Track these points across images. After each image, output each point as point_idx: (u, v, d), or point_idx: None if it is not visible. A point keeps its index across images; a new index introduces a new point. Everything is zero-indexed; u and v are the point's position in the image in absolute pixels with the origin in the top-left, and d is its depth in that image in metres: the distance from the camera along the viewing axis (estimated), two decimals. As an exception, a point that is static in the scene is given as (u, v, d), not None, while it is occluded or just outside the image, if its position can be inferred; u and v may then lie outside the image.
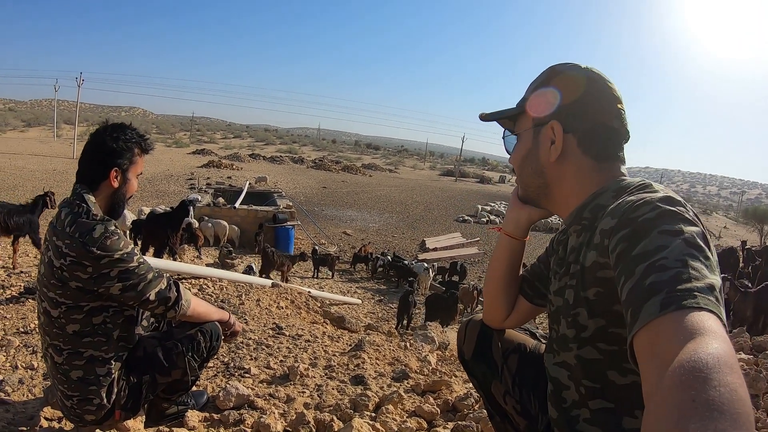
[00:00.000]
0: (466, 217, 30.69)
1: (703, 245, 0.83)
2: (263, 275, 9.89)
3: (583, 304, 1.10)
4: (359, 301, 11.12)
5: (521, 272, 1.53)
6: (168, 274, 2.03)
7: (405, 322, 9.12)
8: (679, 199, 0.94)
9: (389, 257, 15.74)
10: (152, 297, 1.89)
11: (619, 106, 1.21)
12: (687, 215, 0.89)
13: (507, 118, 1.34)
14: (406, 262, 15.05)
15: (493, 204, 35.87)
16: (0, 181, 25.69)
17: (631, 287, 0.81)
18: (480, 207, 32.97)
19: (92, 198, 1.90)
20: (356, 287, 13.88)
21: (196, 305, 2.10)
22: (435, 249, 19.51)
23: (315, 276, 14.70)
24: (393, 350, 3.77)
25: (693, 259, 0.80)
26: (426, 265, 14.97)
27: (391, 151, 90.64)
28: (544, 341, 1.59)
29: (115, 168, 1.94)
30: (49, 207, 7.07)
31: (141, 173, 2.07)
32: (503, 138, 1.38)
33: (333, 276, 15.26)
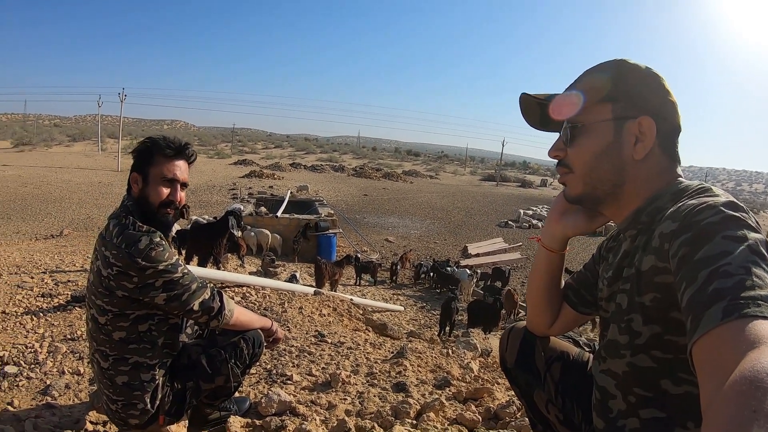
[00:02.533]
0: (509, 222, 30.36)
1: (765, 253, 0.81)
2: (319, 287, 9.96)
3: (638, 309, 1.07)
4: (402, 308, 11.11)
5: (567, 280, 1.50)
6: (212, 284, 2.07)
7: (447, 328, 9.07)
8: (742, 204, 0.92)
9: (446, 266, 15.58)
10: (196, 307, 1.93)
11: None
12: (750, 221, 0.87)
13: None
14: (449, 268, 14.96)
15: (535, 208, 35.33)
16: (47, 194, 26.80)
17: (693, 293, 0.79)
18: (522, 211, 32.50)
19: (136, 210, 1.95)
20: (399, 294, 13.88)
21: (239, 314, 2.13)
22: (477, 255, 19.40)
23: (357, 283, 14.76)
24: (435, 357, 3.74)
25: (756, 266, 0.77)
26: (469, 271, 14.88)
27: (431, 157, 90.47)
28: (587, 349, 1.56)
29: (134, 173, 1.98)
30: (184, 217, 7.35)
31: (173, 179, 2.00)
32: (564, 123, 1.23)
33: (375, 283, 15.31)
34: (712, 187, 1.04)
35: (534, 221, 30.86)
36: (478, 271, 16.24)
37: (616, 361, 1.14)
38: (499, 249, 20.87)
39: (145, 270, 1.81)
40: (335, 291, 9.72)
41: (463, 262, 17.78)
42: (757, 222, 0.89)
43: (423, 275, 15.87)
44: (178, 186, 2.01)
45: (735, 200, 0.93)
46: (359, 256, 16.15)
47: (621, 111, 1.14)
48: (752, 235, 0.83)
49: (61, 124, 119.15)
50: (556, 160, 1.27)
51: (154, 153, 1.97)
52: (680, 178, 1.15)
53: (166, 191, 1.97)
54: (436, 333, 8.39)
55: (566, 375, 1.48)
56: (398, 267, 16.44)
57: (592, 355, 1.50)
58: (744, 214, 0.88)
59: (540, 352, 1.53)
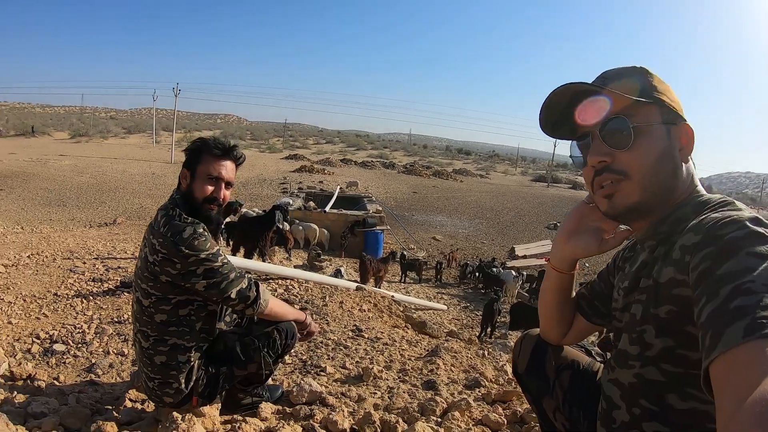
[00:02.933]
0: (558, 225, 29.68)
1: None
2: (363, 283, 10.05)
3: (652, 321, 1.05)
4: (444, 307, 11.08)
5: (580, 290, 1.51)
6: (250, 275, 2.19)
7: (488, 330, 9.01)
8: (766, 221, 0.89)
9: (492, 266, 15.46)
10: (233, 295, 2.06)
11: None
12: None
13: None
14: (495, 269, 14.84)
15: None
16: (102, 183, 27.88)
17: (714, 309, 0.78)
18: None
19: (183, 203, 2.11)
20: (443, 293, 13.86)
21: (273, 305, 2.25)
22: (524, 256, 19.12)
23: (402, 281, 14.79)
24: (470, 358, 3.76)
25: None
26: (514, 272, 14.71)
27: (482, 156, 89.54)
28: (598, 359, 1.57)
29: (183, 169, 2.15)
30: (234, 213, 7.84)
31: (218, 177, 2.14)
32: (613, 126, 1.11)
33: (420, 281, 15.32)
34: (735, 201, 1.03)
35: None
36: (524, 272, 16.02)
37: (624, 371, 1.14)
38: (546, 252, 20.47)
39: (188, 258, 1.96)
40: (379, 287, 9.78)
41: (510, 264, 17.57)
42: None
43: (469, 275, 15.78)
44: (223, 185, 2.16)
45: (759, 216, 0.91)
46: (405, 253, 16.18)
47: (667, 115, 1.12)
48: None
49: (117, 116, 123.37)
50: (592, 170, 1.16)
51: (203, 152, 2.14)
52: (699, 188, 1.14)
53: (210, 188, 2.13)
54: (477, 334, 8.35)
55: (575, 384, 1.49)
56: (443, 266, 16.40)
57: (602, 365, 1.50)
58: None
59: (551, 360, 1.54)
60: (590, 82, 1.14)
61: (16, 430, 1.82)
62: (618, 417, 1.16)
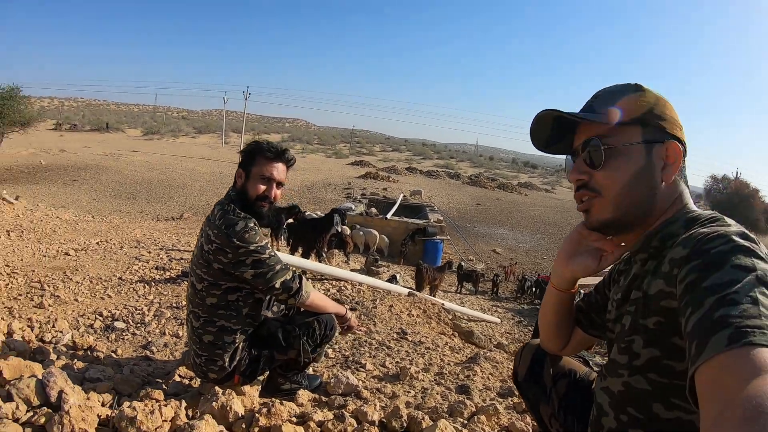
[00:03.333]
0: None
1: None
2: (418, 291, 10.14)
3: (641, 331, 1.08)
4: (497, 320, 11.00)
5: (577, 302, 1.54)
6: (294, 269, 2.38)
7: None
8: (753, 235, 0.93)
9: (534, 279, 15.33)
10: (277, 285, 2.25)
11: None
12: (760, 252, 0.87)
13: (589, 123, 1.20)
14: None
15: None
16: (171, 180, 29.16)
17: (698, 319, 0.80)
18: None
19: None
20: (498, 306, 13.75)
21: (315, 297, 2.42)
22: (586, 275, 18.67)
23: (458, 291, 14.78)
24: (510, 369, 3.78)
25: (764, 296, 0.78)
26: (571, 289, 14.41)
27: (548, 170, 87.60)
28: (595, 369, 1.62)
29: (239, 169, 2.36)
30: (296, 219, 8.29)
31: (270, 177, 2.34)
32: (590, 146, 1.18)
33: (476, 292, 15.25)
34: (724, 217, 1.06)
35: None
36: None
37: (614, 380, 1.17)
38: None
39: (239, 249, 2.17)
40: (434, 296, 9.83)
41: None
42: (767, 253, 0.89)
43: (527, 290, 15.58)
44: (274, 185, 2.37)
45: (746, 231, 0.94)
46: (463, 264, 16.15)
47: (651, 135, 1.14)
48: (761, 265, 0.84)
49: (188, 116, 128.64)
50: (575, 185, 1.24)
51: (257, 154, 2.34)
52: (690, 205, 1.16)
53: (262, 187, 2.34)
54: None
55: (571, 392, 1.54)
56: (501, 279, 16.26)
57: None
58: (754, 245, 0.89)
59: (549, 368, 1.60)
60: (578, 108, 1.23)
61: (74, 387, 2.04)
62: (606, 423, 1.19)
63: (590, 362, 1.65)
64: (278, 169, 2.37)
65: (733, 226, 0.98)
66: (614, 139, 1.15)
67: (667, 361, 1.03)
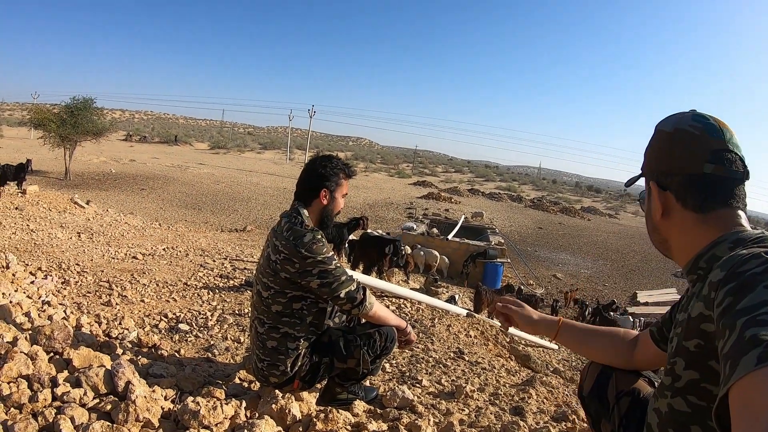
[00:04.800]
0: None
1: None
2: (476, 313, 10.10)
3: (683, 353, 1.11)
4: (555, 347, 10.76)
5: (657, 319, 1.59)
6: (358, 281, 2.49)
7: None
8: None
9: (610, 310, 14.90)
10: (342, 295, 2.38)
11: (716, 148, 1.18)
12: None
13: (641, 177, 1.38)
14: (612, 313, 14.20)
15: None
16: (236, 193, 30.02)
17: (732, 342, 0.81)
18: None
19: (306, 212, 2.49)
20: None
21: (377, 309, 2.53)
22: (646, 303, 18.04)
23: (516, 315, 14.55)
24: (566, 395, 3.76)
25: None
26: (632, 318, 14.00)
27: (612, 194, 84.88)
28: None
29: (324, 188, 2.50)
30: (362, 228, 8.54)
31: (346, 194, 2.59)
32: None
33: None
34: None
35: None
36: (643, 319, 15.15)
37: (661, 401, 1.20)
38: (670, 300, 19.11)
39: (306, 259, 2.31)
40: (492, 319, 9.77)
41: (630, 309, 16.69)
42: None
43: (588, 316, 15.23)
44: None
45: None
46: (522, 288, 15.93)
47: (647, 178, 1.31)
48: None
49: (254, 132, 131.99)
50: None
51: (341, 175, 2.55)
52: (741, 227, 1.16)
53: (342, 204, 2.59)
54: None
55: (632, 411, 1.55)
56: (560, 305, 15.95)
57: None
58: None
59: (613, 386, 1.63)
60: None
61: (140, 380, 2.20)
62: None
63: (655, 383, 1.68)
64: (348, 186, 2.60)
65: None
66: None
67: (704, 384, 1.06)
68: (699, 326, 1.06)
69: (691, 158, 1.19)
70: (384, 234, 12.60)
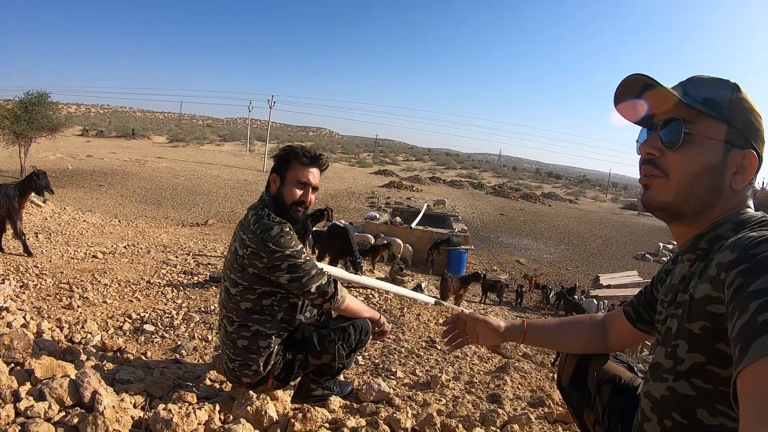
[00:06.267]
0: (646, 255, 28.16)
1: None
2: (443, 300, 10.14)
3: (685, 336, 1.08)
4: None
5: (632, 297, 1.57)
6: (329, 273, 2.40)
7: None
8: None
9: (574, 293, 15.17)
10: (313, 289, 2.28)
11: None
12: None
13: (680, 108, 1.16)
14: (576, 297, 14.46)
15: (675, 242, 32.13)
16: (196, 186, 29.57)
17: (743, 323, 0.79)
18: (662, 245, 29.49)
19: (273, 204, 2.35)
20: (523, 317, 13.63)
21: (350, 302, 2.45)
22: (608, 286, 18.43)
23: (482, 301, 14.69)
24: (539, 379, 3.78)
25: None
26: (596, 301, 14.29)
27: (572, 180, 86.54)
28: (640, 375, 1.61)
29: (273, 174, 2.39)
30: (327, 219, 8.33)
31: (306, 182, 2.37)
32: (671, 125, 1.17)
33: (500, 303, 15.15)
34: None
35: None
36: (606, 302, 15.50)
37: (657, 384, 1.17)
38: (632, 282, 19.57)
39: (274, 253, 2.19)
40: (458, 306, 9.82)
41: (593, 292, 17.03)
42: None
43: (554, 301, 15.50)
44: (309, 189, 2.40)
45: None
46: (487, 274, 16.06)
47: (733, 137, 1.12)
48: None
49: (213, 124, 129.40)
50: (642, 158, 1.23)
51: (292, 159, 2.37)
52: (748, 210, 1.15)
53: (299, 192, 2.37)
54: (552, 359, 8.20)
55: (615, 398, 1.54)
56: (525, 289, 16.17)
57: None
58: None
59: (593, 374, 1.61)
60: (676, 82, 1.21)
61: (107, 389, 2.08)
62: (649, 429, 1.19)
63: (635, 368, 1.65)
64: (313, 174, 2.40)
65: None
66: (697, 127, 1.13)
67: (711, 367, 1.03)
68: (705, 308, 1.02)
69: (762, 143, 1.16)
70: (347, 224, 12.51)
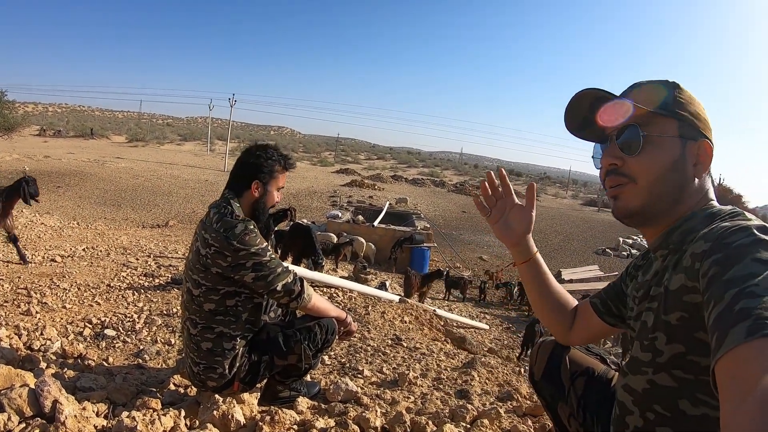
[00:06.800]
0: (606, 250, 28.85)
1: None
2: (407, 297, 10.15)
3: (663, 328, 1.08)
4: (486, 327, 11.00)
5: (599, 290, 1.55)
6: (295, 272, 2.34)
7: (528, 351, 8.92)
8: None
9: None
10: (279, 288, 2.23)
11: None
12: None
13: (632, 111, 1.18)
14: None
15: (635, 237, 32.86)
16: (156, 187, 28.94)
17: (719, 312, 0.80)
18: (621, 239, 30.31)
19: (237, 203, 2.29)
20: (486, 312, 13.77)
21: (316, 301, 2.40)
22: (570, 281, 18.78)
23: (446, 298, 14.79)
24: (506, 374, 3.78)
25: None
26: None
27: (533, 177, 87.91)
28: (613, 367, 1.61)
29: (256, 180, 2.32)
30: (290, 219, 8.12)
31: (282, 187, 2.42)
32: (627, 132, 1.18)
33: (464, 299, 15.27)
34: (744, 212, 1.07)
35: (634, 251, 28.68)
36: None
37: (637, 377, 1.16)
38: (593, 277, 20.04)
39: (239, 252, 2.13)
40: (422, 303, 9.84)
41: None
42: None
43: (517, 296, 15.70)
44: (281, 192, 2.43)
45: (767, 225, 0.94)
46: (450, 271, 16.16)
47: (686, 130, 1.16)
48: None
49: (173, 123, 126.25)
50: (601, 170, 1.26)
51: (277, 167, 2.37)
52: (713, 201, 1.18)
53: (277, 197, 2.40)
54: (517, 355, 8.30)
55: (589, 390, 1.53)
56: (488, 285, 16.33)
57: (618, 373, 1.52)
58: None
59: (566, 367, 1.60)
60: (616, 91, 1.23)
61: (68, 397, 1.99)
62: (631, 422, 1.18)
63: (608, 360, 1.64)
64: (285, 177, 2.44)
65: (755, 220, 0.98)
66: (651, 128, 1.16)
67: (691, 357, 1.03)
68: (681, 299, 1.03)
69: (710, 131, 1.20)
70: (310, 223, 12.41)
